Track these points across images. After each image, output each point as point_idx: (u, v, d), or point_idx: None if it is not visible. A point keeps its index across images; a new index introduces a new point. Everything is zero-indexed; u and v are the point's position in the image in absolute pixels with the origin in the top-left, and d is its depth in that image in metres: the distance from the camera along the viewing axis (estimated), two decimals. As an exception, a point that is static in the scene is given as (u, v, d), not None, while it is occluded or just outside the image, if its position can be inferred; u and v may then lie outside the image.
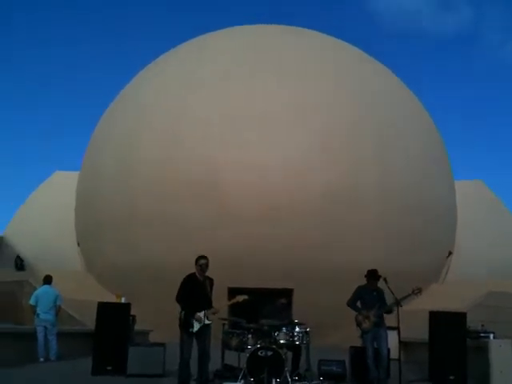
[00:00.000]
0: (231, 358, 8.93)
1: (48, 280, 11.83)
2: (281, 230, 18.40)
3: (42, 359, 10.89)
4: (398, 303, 8.04)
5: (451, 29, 66.62)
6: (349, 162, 19.57)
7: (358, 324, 8.48)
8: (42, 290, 11.68)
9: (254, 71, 20.71)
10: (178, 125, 20.17)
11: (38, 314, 11.30)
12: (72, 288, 19.62)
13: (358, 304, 8.63)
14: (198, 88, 20.61)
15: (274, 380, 7.67)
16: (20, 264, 24.38)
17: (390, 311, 8.33)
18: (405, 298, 8.07)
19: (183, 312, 7.28)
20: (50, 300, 11.47)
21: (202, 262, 7.38)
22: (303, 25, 25.81)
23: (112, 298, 13.71)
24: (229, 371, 8.60)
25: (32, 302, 11.49)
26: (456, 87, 65.58)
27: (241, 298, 7.67)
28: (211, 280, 7.50)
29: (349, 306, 8.65)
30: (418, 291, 8.08)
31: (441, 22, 65.58)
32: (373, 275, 8.54)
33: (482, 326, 9.66)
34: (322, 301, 17.69)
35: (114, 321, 9.52)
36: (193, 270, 7.49)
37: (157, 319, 16.85)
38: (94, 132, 24.69)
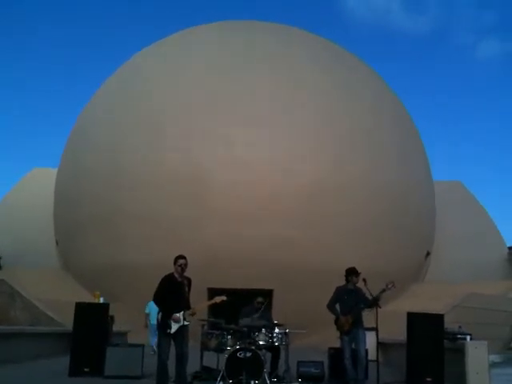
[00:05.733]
0: (210, 359, 8.89)
1: None
2: (262, 231, 18.39)
3: (152, 352, 12.76)
4: (376, 303, 8.09)
5: (423, 28, 67.56)
6: (333, 163, 19.66)
7: (338, 328, 8.50)
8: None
9: (239, 68, 20.67)
10: (161, 121, 20.02)
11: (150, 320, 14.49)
12: (50, 287, 19.44)
13: (337, 306, 8.64)
14: (183, 84, 20.48)
15: (252, 381, 7.65)
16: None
17: (370, 306, 8.32)
18: (380, 294, 8.12)
19: (161, 313, 7.22)
20: (156, 310, 12.95)
21: (181, 261, 7.31)
22: (280, 20, 26.07)
23: (90, 298, 13.59)
24: (207, 373, 8.55)
25: (146, 311, 15.02)
26: (431, 87, 66.41)
27: (219, 299, 7.62)
28: (189, 280, 7.44)
29: (329, 309, 8.65)
30: (391, 285, 8.12)
31: (411, 21, 66.56)
32: (354, 272, 8.55)
33: (459, 327, 9.74)
34: (302, 302, 17.74)
35: (92, 321, 9.40)
36: (172, 270, 7.43)
37: (135, 320, 16.70)
38: (72, 128, 24.36)
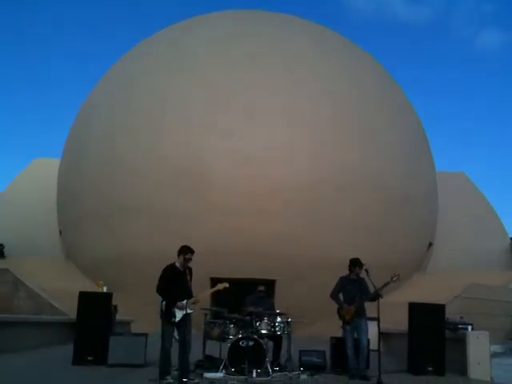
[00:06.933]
0: (213, 347, 8.94)
1: None
2: (264, 221, 18.41)
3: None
4: (378, 294, 8.11)
5: (423, 19, 67.23)
6: (334, 157, 19.59)
7: (341, 317, 8.54)
8: None
9: (239, 59, 20.58)
10: (162, 113, 20.00)
11: None
12: (53, 277, 19.54)
13: (340, 296, 8.67)
14: (183, 76, 20.42)
15: (254, 370, 7.70)
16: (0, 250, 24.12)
17: (373, 299, 8.36)
18: (384, 286, 8.13)
19: (164, 302, 7.26)
20: None
21: (188, 256, 7.35)
22: (282, 10, 25.92)
23: (93, 287, 13.64)
24: (210, 361, 8.61)
25: None
26: (432, 78, 66.14)
27: (221, 286, 7.67)
28: (190, 269, 7.49)
29: (332, 298, 8.69)
30: (396, 278, 8.14)
31: (411, 12, 66.23)
32: (358, 263, 8.57)
33: (461, 317, 9.77)
34: (304, 291, 17.79)
35: (96, 310, 9.43)
36: (174, 260, 7.47)
37: (138, 309, 16.79)
38: (75, 118, 24.35)
